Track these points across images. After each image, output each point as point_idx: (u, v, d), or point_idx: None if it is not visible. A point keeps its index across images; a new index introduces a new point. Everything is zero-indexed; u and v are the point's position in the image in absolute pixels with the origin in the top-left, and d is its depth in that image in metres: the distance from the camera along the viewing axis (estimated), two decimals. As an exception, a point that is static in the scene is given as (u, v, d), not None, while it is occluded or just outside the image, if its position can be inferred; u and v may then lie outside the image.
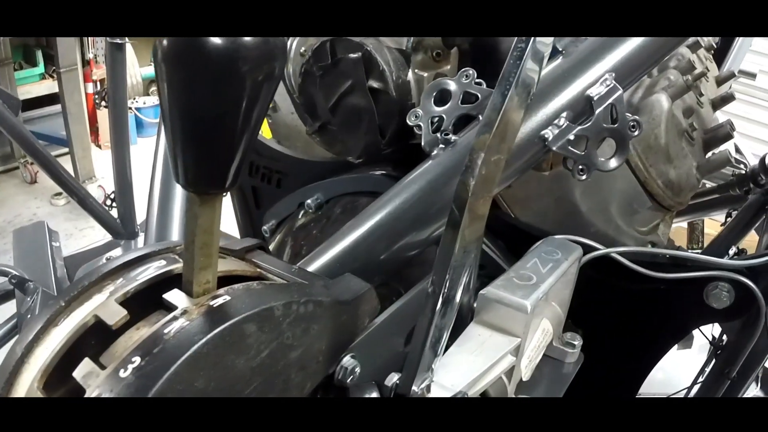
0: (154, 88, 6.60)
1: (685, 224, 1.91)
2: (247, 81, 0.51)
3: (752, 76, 2.18)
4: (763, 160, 1.42)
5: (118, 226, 2.37)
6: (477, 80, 0.89)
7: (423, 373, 0.69)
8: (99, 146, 5.44)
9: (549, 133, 0.82)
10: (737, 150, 1.83)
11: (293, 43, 1.28)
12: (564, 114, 0.82)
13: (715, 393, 1.23)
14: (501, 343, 0.81)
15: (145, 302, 0.66)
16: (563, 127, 0.82)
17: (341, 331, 0.71)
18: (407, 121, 0.90)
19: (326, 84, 1.15)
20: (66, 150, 4.44)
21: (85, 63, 5.01)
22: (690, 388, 1.25)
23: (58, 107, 4.37)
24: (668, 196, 1.12)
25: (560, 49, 0.87)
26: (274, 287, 0.69)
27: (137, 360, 0.56)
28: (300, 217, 1.35)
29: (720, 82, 1.51)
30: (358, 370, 0.72)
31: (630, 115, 0.83)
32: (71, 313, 0.67)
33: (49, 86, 4.73)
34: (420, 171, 0.88)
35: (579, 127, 0.82)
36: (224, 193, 0.59)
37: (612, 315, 1.21)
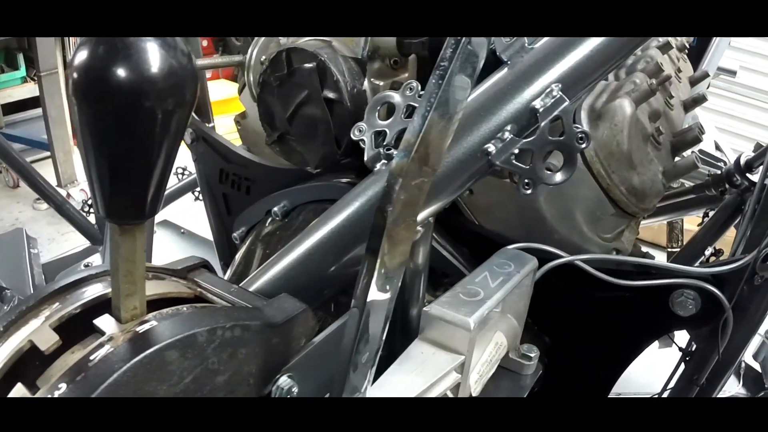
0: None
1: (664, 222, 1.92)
2: (153, 114, 0.52)
3: (732, 73, 2.18)
4: (738, 160, 1.43)
5: (96, 232, 2.39)
6: (422, 92, 0.90)
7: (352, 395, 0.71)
8: (82, 149, 5.40)
9: (492, 147, 0.83)
10: (717, 148, 1.83)
11: (254, 52, 1.29)
12: (508, 127, 0.83)
13: (684, 400, 1.24)
14: (444, 361, 0.83)
15: (82, 325, 0.68)
16: (507, 140, 0.83)
17: (273, 353, 0.73)
18: (352, 135, 0.91)
19: (283, 94, 1.17)
20: (48, 154, 4.46)
21: (67, 66, 5.01)
22: (660, 394, 1.26)
23: (40, 111, 4.38)
24: (632, 203, 1.13)
25: (505, 60, 0.88)
26: (203, 311, 0.70)
27: (63, 386, 0.59)
28: (267, 224, 1.37)
29: (694, 82, 1.51)
30: (295, 390, 0.74)
31: (579, 126, 0.84)
32: (8, 338, 0.70)
33: (31, 89, 4.72)
34: (363, 186, 0.90)
35: (524, 141, 0.83)
36: (144, 222, 0.62)
37: (578, 323, 1.23)
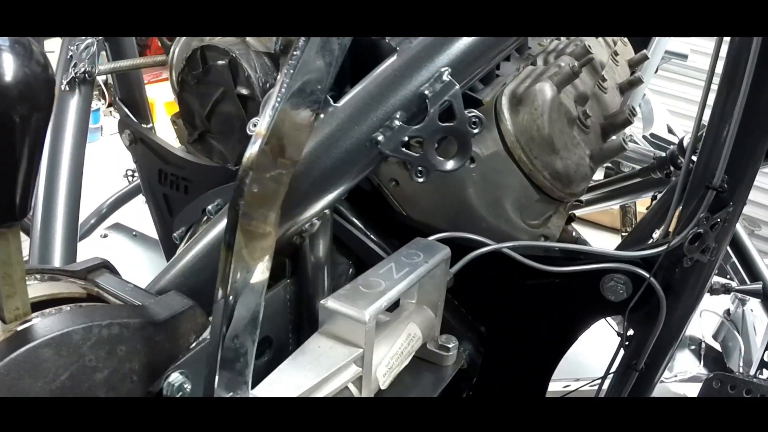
0: (95, 93, 6.61)
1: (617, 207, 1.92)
2: (10, 119, 0.54)
3: (683, 57, 2.17)
4: (681, 142, 1.42)
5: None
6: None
7: (230, 390, 0.71)
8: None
9: (381, 136, 0.83)
10: (670, 131, 1.82)
11: (176, 50, 1.29)
12: (398, 115, 0.83)
13: (625, 385, 1.24)
14: (340, 354, 0.83)
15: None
16: (396, 128, 0.83)
17: (157, 350, 0.74)
18: (247, 130, 0.91)
19: (200, 92, 1.17)
20: None
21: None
22: (603, 379, 1.26)
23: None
24: (557, 188, 1.13)
25: (394, 47, 0.88)
26: (82, 310, 0.72)
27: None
28: (203, 223, 1.38)
29: (633, 65, 1.50)
30: (188, 386, 0.75)
31: (473, 111, 0.84)
32: None
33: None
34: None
35: (413, 128, 0.83)
36: (17, 225, 0.63)
37: (511, 311, 1.23)
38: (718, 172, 1.05)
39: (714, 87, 1.09)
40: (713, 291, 1.57)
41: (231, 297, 0.65)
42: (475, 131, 0.82)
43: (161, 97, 4.86)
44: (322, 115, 0.86)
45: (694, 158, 1.13)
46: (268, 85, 1.10)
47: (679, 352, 2.15)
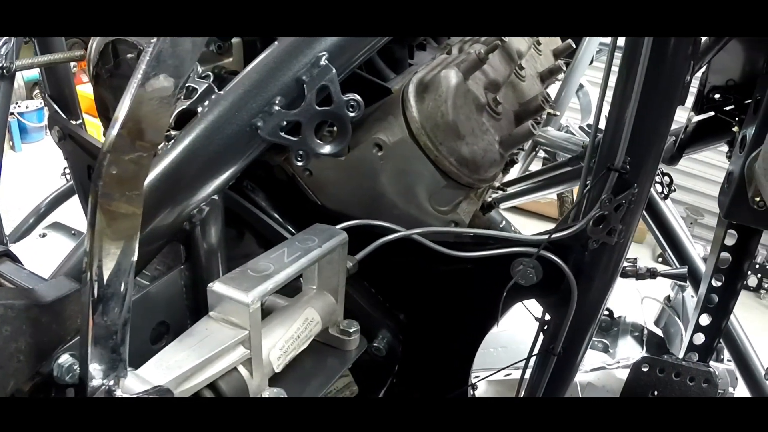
0: (37, 91, 6.62)
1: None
2: None
3: (618, 49, 2.21)
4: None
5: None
6: (201, 73, 0.95)
7: (106, 370, 0.76)
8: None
9: (261, 121, 0.88)
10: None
11: (93, 45, 1.34)
12: (277, 100, 0.88)
13: (545, 369, 1.29)
14: (225, 336, 0.87)
15: None
16: (275, 113, 0.88)
17: (44, 331, 0.79)
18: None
19: (113, 85, 1.22)
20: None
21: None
22: (525, 367, 1.31)
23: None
24: (464, 174, 1.17)
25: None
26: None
27: None
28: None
29: (558, 54, 1.55)
30: (77, 367, 0.80)
31: (352, 95, 0.89)
32: None
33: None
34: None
35: (290, 112, 0.88)
36: None
37: (429, 298, 1.27)
38: (619, 153, 1.10)
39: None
40: (639, 275, 1.63)
41: (95, 277, 0.70)
42: (352, 115, 0.86)
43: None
44: (206, 103, 0.91)
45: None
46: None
47: (622, 338, 2.21)
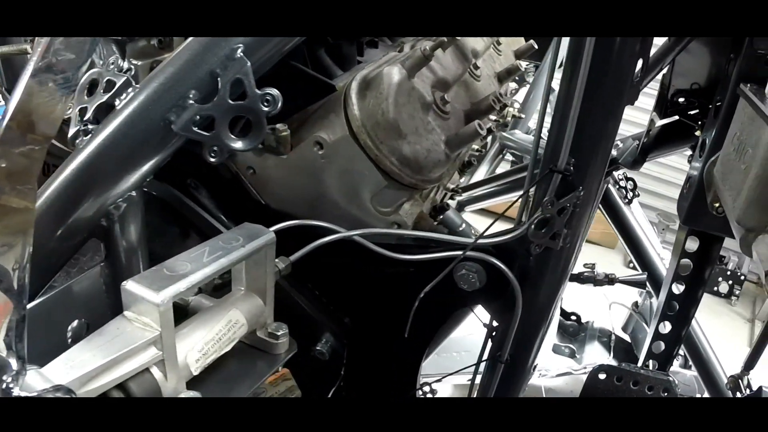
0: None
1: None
2: None
3: None
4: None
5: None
6: (122, 66, 0.94)
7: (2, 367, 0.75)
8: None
9: (174, 115, 0.87)
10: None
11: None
12: (191, 94, 0.87)
13: (492, 376, 1.27)
14: (135, 336, 0.86)
15: None
16: (188, 107, 0.87)
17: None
18: (64, 114, 0.95)
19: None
20: None
21: None
22: (476, 371, 1.29)
23: None
24: (406, 174, 1.16)
25: (199, 30, 0.92)
26: None
27: None
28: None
29: (519, 55, 1.54)
30: None
31: (268, 89, 0.88)
32: None
33: None
34: (63, 165, 0.94)
35: (204, 107, 0.87)
36: None
37: (372, 301, 1.26)
38: (562, 154, 1.08)
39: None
40: (597, 281, 1.61)
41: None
42: (266, 109, 0.85)
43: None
44: (123, 97, 0.91)
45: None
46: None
47: (589, 344, 2.20)
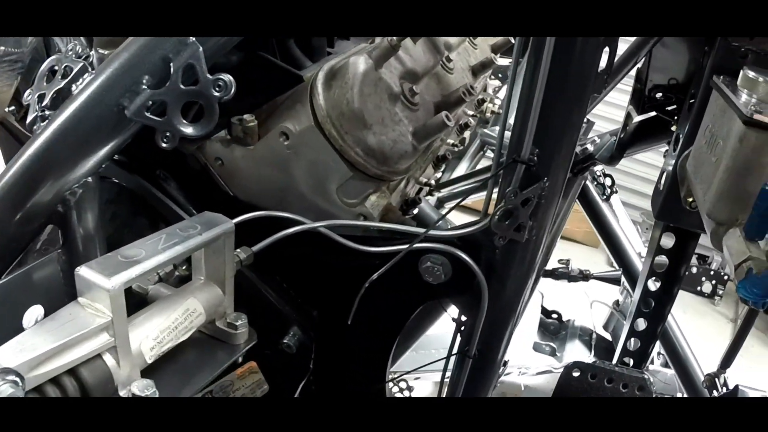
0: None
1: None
2: None
3: None
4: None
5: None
6: (80, 53, 0.95)
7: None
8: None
9: (127, 101, 0.88)
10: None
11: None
12: (144, 80, 0.88)
13: (462, 371, 1.27)
14: (86, 322, 0.87)
15: None
16: (141, 93, 0.88)
17: None
18: (23, 101, 0.96)
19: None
20: None
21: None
22: (445, 366, 1.29)
23: None
24: (372, 165, 1.16)
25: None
26: None
27: None
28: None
29: (496, 49, 1.54)
30: None
31: (220, 74, 0.89)
32: None
33: None
34: (21, 151, 0.95)
35: (155, 92, 0.88)
36: None
37: (339, 294, 1.26)
38: (525, 143, 1.08)
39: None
40: (571, 278, 1.60)
41: None
42: (218, 95, 0.86)
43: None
44: (80, 83, 0.92)
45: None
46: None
47: (570, 342, 2.20)
